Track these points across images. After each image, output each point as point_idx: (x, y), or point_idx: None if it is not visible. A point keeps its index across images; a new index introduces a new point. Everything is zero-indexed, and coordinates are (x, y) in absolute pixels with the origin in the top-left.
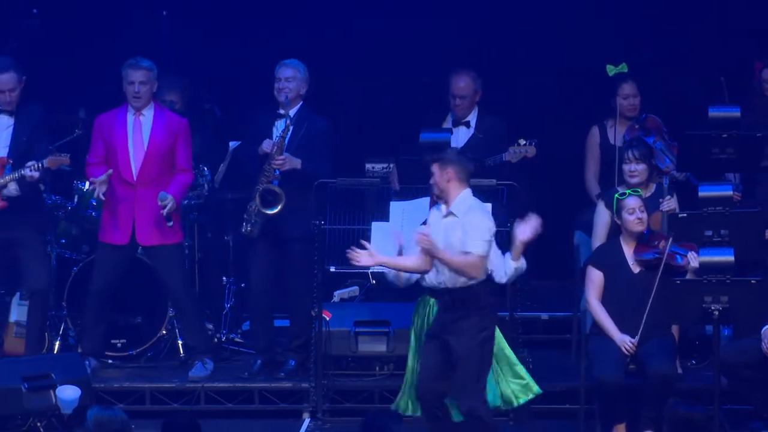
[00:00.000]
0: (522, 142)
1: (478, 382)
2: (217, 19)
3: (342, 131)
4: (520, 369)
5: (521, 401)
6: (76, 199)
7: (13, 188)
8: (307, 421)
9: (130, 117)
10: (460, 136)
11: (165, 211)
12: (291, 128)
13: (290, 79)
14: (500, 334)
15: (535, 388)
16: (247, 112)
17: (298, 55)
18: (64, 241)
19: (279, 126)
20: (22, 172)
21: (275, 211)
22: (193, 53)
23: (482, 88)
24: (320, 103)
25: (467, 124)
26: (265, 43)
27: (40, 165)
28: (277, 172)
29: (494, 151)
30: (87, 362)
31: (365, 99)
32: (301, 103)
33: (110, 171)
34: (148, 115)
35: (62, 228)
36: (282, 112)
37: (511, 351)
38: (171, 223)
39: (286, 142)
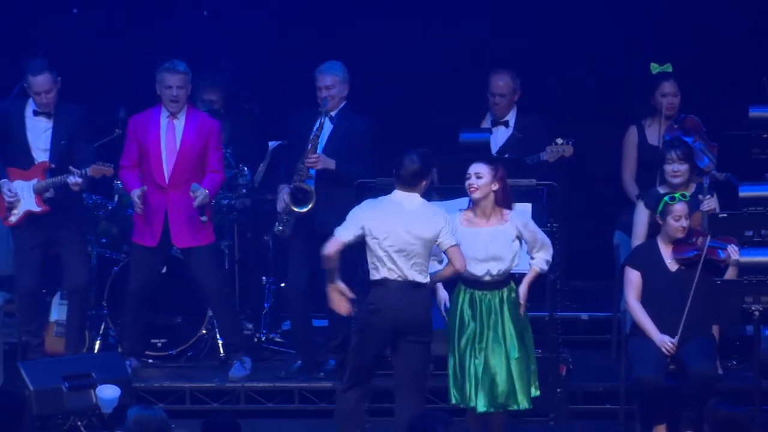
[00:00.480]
0: (559, 141)
1: None
2: (256, 18)
3: (382, 131)
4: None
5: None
6: (116, 199)
7: (52, 191)
8: None
9: (163, 119)
10: (499, 136)
11: (196, 203)
12: (330, 127)
13: (330, 87)
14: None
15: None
16: (286, 112)
17: (335, 54)
18: (104, 240)
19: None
20: (66, 179)
21: (305, 209)
22: (232, 53)
23: (521, 88)
24: (358, 103)
25: (506, 124)
26: (305, 41)
27: (83, 173)
28: (312, 172)
29: (533, 150)
30: (128, 362)
31: (404, 98)
32: (343, 103)
33: (145, 187)
34: (181, 118)
35: (102, 228)
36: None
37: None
38: (205, 218)
39: (325, 141)
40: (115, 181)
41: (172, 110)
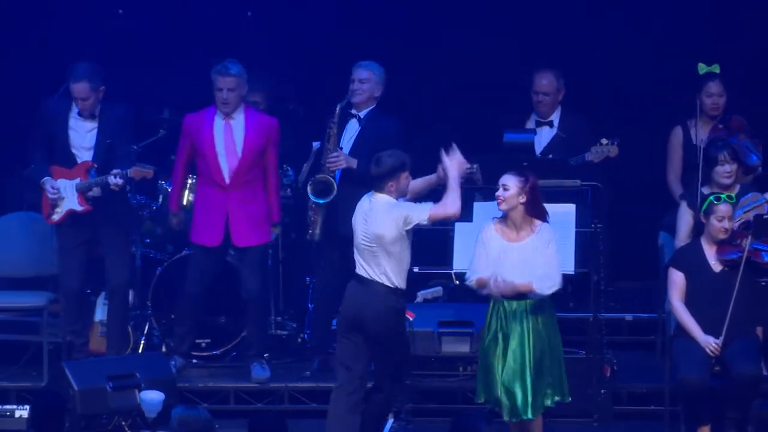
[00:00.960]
0: (604, 141)
1: None
2: (300, 18)
3: (424, 132)
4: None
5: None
6: (160, 199)
7: (96, 190)
8: (390, 422)
9: (219, 120)
10: (543, 136)
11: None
12: (358, 129)
13: (364, 80)
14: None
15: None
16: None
17: (377, 54)
18: (148, 240)
19: (350, 127)
20: (107, 179)
21: (327, 200)
22: (276, 53)
23: (565, 87)
24: (402, 103)
25: (550, 124)
26: (347, 41)
27: (124, 173)
28: (338, 172)
29: (578, 150)
30: (173, 362)
31: (449, 99)
32: (374, 105)
33: (182, 216)
34: (238, 119)
35: (147, 228)
36: (354, 112)
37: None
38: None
39: (352, 142)
40: (159, 182)
41: (224, 111)
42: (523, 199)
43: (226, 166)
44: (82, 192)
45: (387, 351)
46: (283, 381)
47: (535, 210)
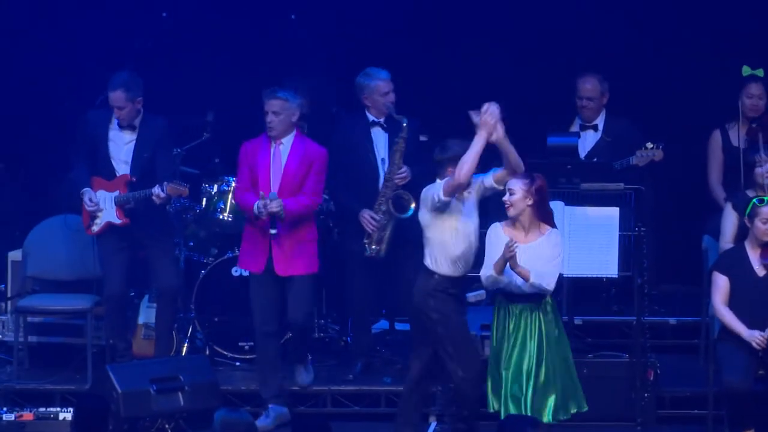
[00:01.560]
0: (649, 145)
1: None
2: (342, 21)
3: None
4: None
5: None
6: (204, 202)
7: (133, 203)
8: (433, 425)
9: (272, 145)
10: (588, 140)
11: (267, 209)
12: (386, 135)
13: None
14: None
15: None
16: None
17: (418, 57)
18: (192, 243)
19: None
20: (147, 193)
21: (409, 214)
22: (319, 56)
23: (609, 91)
24: (447, 105)
25: (595, 128)
26: (387, 44)
27: (161, 190)
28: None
29: (622, 154)
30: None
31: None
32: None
33: (262, 193)
34: (286, 144)
35: (190, 231)
36: (396, 116)
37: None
38: (274, 231)
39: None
40: (202, 185)
41: (269, 135)
42: (530, 201)
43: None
44: (120, 205)
45: (425, 332)
46: (326, 384)
47: (542, 212)
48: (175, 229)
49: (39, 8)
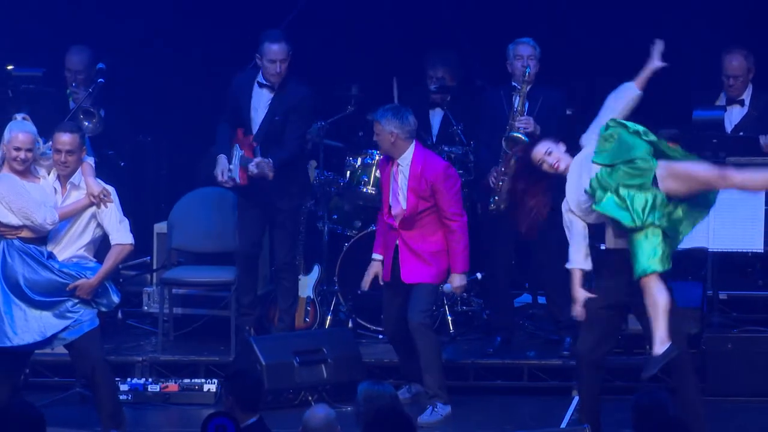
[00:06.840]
0: None
1: None
2: None
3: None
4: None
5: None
6: (348, 175)
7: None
8: (576, 399)
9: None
10: (734, 115)
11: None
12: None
13: (531, 57)
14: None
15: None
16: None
17: (565, 26)
18: (335, 216)
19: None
20: (249, 165)
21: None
22: (461, 29)
23: (755, 65)
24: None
25: (741, 103)
26: (525, 15)
27: (256, 163)
28: (526, 139)
29: None
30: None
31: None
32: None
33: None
34: (407, 159)
35: (334, 203)
36: (519, 87)
37: None
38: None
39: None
40: (347, 158)
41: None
42: (563, 147)
43: (394, 210)
44: (243, 166)
45: None
46: (468, 357)
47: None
48: (320, 201)
49: None
